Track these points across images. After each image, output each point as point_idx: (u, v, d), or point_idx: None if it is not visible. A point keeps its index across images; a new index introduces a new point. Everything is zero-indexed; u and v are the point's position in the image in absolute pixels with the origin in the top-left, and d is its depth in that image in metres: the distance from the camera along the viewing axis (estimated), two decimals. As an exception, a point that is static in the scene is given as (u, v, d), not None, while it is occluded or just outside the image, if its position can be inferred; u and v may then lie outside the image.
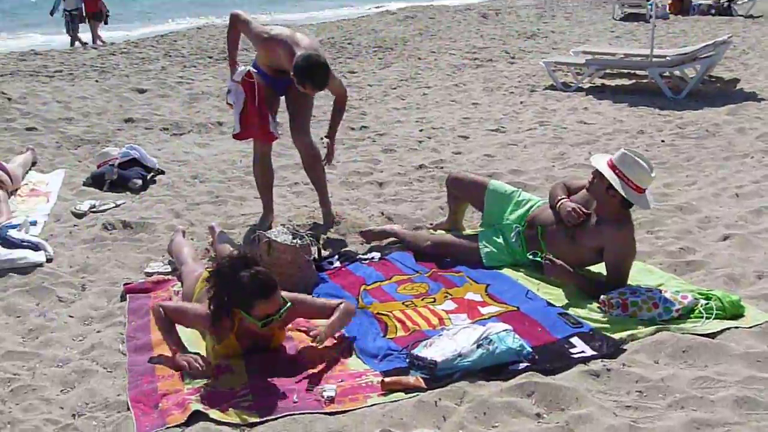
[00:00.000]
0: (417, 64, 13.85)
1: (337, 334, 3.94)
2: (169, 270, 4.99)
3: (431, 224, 5.62)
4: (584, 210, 4.46)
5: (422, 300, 4.41)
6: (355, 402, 3.36)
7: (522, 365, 3.56)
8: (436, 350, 3.61)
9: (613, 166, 4.30)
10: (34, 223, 5.81)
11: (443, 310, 4.27)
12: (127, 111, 9.95)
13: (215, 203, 6.44)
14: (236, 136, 5.59)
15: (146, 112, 9.90)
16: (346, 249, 5.30)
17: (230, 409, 3.32)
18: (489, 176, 5.92)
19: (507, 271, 4.70)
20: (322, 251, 5.13)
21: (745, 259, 4.82)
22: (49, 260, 5.20)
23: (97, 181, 6.91)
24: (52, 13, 18.11)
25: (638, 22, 19.50)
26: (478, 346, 3.58)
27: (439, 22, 19.83)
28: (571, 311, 4.12)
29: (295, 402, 3.35)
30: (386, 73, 13.11)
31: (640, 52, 12.34)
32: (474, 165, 7.38)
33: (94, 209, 6.24)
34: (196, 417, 3.25)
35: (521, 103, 10.43)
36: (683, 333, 3.79)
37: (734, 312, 3.97)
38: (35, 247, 5.25)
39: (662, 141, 8.07)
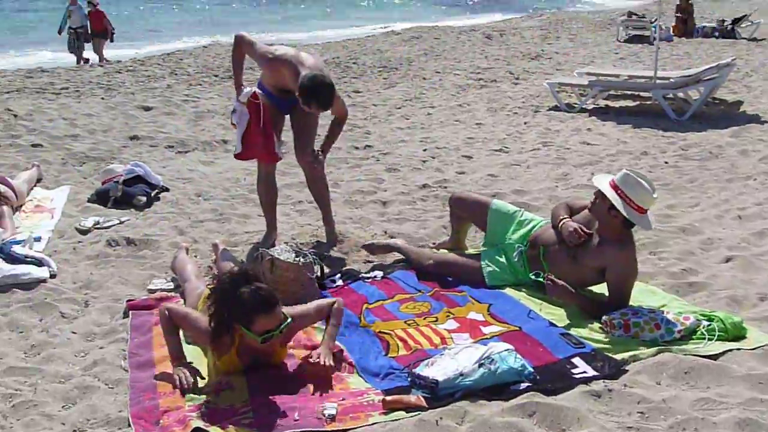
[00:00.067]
0: (421, 84, 13.91)
1: (338, 353, 3.95)
2: (172, 287, 5.00)
3: (434, 243, 5.63)
4: (586, 230, 4.47)
5: (424, 319, 4.41)
6: (357, 420, 3.36)
7: (523, 385, 3.56)
8: (437, 369, 3.61)
9: (615, 187, 4.31)
10: (38, 239, 5.82)
11: (445, 329, 4.27)
12: (133, 128, 10.00)
13: (219, 221, 6.46)
14: (237, 156, 5.63)
15: (151, 130, 9.95)
16: (349, 267, 5.31)
17: (231, 426, 3.31)
18: (492, 196, 5.94)
19: (509, 291, 4.71)
20: (325, 269, 5.14)
21: (747, 281, 4.82)
22: (52, 276, 5.21)
23: (101, 197, 6.93)
24: (60, 32, 18.20)
25: (642, 44, 19.59)
26: (480, 366, 3.58)
27: (443, 43, 19.93)
28: (573, 331, 4.12)
29: (296, 420, 3.35)
30: (391, 92, 13.17)
31: (644, 73, 12.42)
32: (477, 185, 7.40)
33: (99, 226, 6.26)
34: (196, 434, 3.25)
35: (525, 123, 10.47)
36: (685, 354, 3.79)
37: (736, 334, 3.97)
38: (39, 263, 5.26)
39: (665, 162, 8.09)
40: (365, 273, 5.15)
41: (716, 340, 3.91)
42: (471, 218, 5.28)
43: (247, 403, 3.50)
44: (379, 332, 4.25)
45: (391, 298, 4.73)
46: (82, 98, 12.04)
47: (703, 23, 22.23)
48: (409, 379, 3.69)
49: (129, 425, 3.39)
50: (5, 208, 6.09)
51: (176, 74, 14.85)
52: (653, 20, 20.06)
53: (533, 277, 4.56)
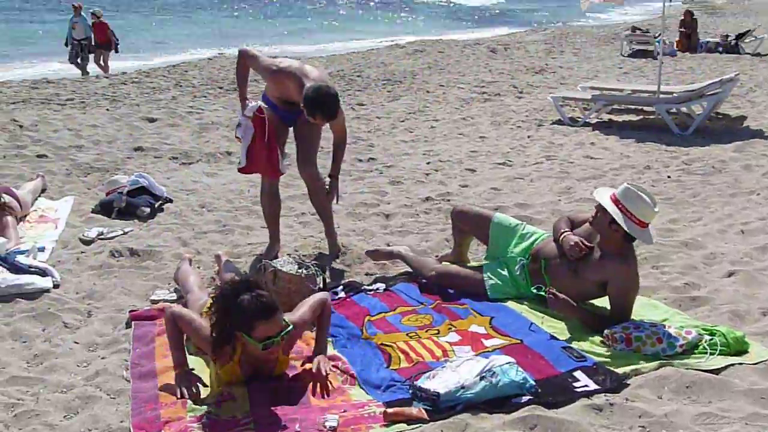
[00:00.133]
0: (425, 98, 13.95)
1: (340, 364, 3.96)
2: (175, 298, 5.01)
3: (437, 256, 5.64)
4: (587, 243, 4.48)
5: (426, 331, 4.42)
6: (358, 432, 3.36)
7: (525, 398, 3.56)
8: (439, 382, 3.61)
9: (616, 201, 4.32)
10: (42, 249, 5.84)
11: (447, 341, 4.27)
12: (137, 140, 10.04)
13: (222, 232, 6.48)
14: (241, 170, 5.65)
15: (156, 141, 9.99)
16: (351, 279, 5.32)
17: (232, 437, 3.32)
18: (495, 209, 5.95)
19: (511, 304, 4.71)
20: (327, 281, 5.15)
21: (750, 296, 4.82)
22: (56, 286, 5.23)
23: (105, 208, 6.95)
24: (66, 44, 18.30)
25: (646, 59, 19.64)
26: (481, 379, 3.58)
27: (448, 56, 19.99)
28: (575, 345, 4.12)
29: (297, 431, 3.35)
30: (395, 105, 13.21)
31: (648, 88, 12.44)
32: (480, 198, 7.41)
33: (102, 236, 6.27)
34: (198, 445, 3.26)
35: (528, 137, 10.49)
36: (687, 368, 3.79)
37: (738, 348, 3.97)
38: (42, 273, 5.28)
39: (668, 177, 8.10)
40: (367, 285, 5.16)
41: (718, 354, 3.91)
42: (473, 231, 5.29)
43: (248, 415, 3.50)
44: (381, 344, 4.25)
45: (393, 310, 4.74)
46: (87, 109, 12.10)
47: (707, 38, 22.28)
48: (410, 391, 3.69)
49: (130, 435, 3.39)
50: (9, 218, 6.11)
51: (181, 86, 14.92)
52: (657, 35, 20.13)
53: (535, 290, 4.56)
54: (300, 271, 4.72)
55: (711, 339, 4.01)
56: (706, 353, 3.93)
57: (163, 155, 9.32)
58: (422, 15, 47.80)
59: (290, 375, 3.88)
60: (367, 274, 5.42)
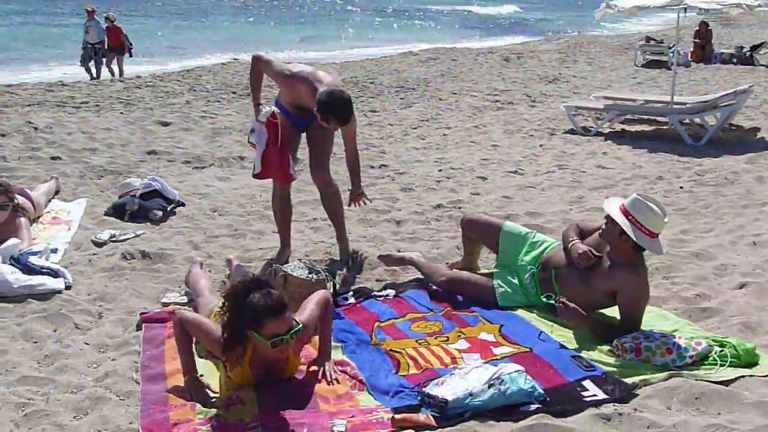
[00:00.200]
0: (438, 105, 13.97)
1: (349, 369, 3.98)
2: (186, 301, 5.03)
3: (447, 263, 5.64)
4: (595, 252, 4.47)
5: (435, 338, 4.42)
6: (365, 438, 3.36)
7: (533, 407, 3.56)
8: (447, 389, 3.61)
9: (625, 212, 4.32)
10: (54, 251, 5.89)
11: (456, 349, 4.27)
12: (151, 143, 10.10)
13: (233, 236, 6.50)
14: (256, 176, 5.67)
15: (169, 145, 10.03)
16: (361, 285, 5.33)
17: (240, 440, 3.33)
18: (506, 217, 5.96)
19: (521, 312, 4.71)
20: (338, 287, 5.16)
21: (761, 308, 4.80)
22: (67, 287, 5.26)
23: (118, 211, 6.99)
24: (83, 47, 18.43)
25: (660, 69, 19.59)
26: (490, 386, 3.58)
27: (461, 64, 20.00)
28: (584, 354, 4.12)
29: (305, 436, 3.36)
30: (407, 112, 13.23)
31: (661, 98, 12.42)
32: (492, 206, 7.41)
33: (114, 239, 6.31)
34: (206, 447, 3.27)
35: (541, 146, 10.49)
36: (696, 379, 3.78)
37: (748, 360, 3.95)
38: (54, 274, 5.32)
39: (681, 187, 8.08)
40: (377, 291, 5.17)
41: (728, 366, 3.90)
42: (482, 240, 5.29)
43: (256, 418, 3.52)
44: (390, 350, 4.26)
45: (403, 316, 4.75)
46: (101, 112, 12.17)
47: (722, 49, 22.22)
48: (418, 397, 3.69)
49: (139, 437, 3.41)
50: (23, 219, 6.15)
51: (195, 90, 14.99)
52: (671, 46, 20.08)
53: (545, 299, 4.56)
54: (310, 276, 4.73)
55: (721, 350, 3.99)
56: (715, 364, 3.91)
57: (176, 159, 9.37)
58: (436, 23, 47.87)
59: (299, 379, 3.89)
60: (377, 281, 5.43)
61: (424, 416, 3.49)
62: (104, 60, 18.25)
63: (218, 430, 3.42)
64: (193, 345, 3.96)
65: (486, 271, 5.33)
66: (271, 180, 5.80)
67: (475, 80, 17.23)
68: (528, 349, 4.21)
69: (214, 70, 18.43)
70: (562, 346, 4.22)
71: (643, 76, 18.59)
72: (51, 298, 5.06)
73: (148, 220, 6.88)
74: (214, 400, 3.73)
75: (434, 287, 5.10)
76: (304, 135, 5.68)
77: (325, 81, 5.25)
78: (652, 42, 22.47)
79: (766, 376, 3.84)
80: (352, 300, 5.03)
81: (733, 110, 10.98)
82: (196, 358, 3.97)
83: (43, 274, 5.29)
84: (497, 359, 4.07)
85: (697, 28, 22.23)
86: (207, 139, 10.62)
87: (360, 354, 4.23)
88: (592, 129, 11.35)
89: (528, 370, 3.77)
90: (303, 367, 3.99)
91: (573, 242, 4.60)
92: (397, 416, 3.48)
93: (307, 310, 3.95)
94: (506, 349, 4.23)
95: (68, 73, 19.29)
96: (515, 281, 4.89)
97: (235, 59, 21.06)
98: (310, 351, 4.11)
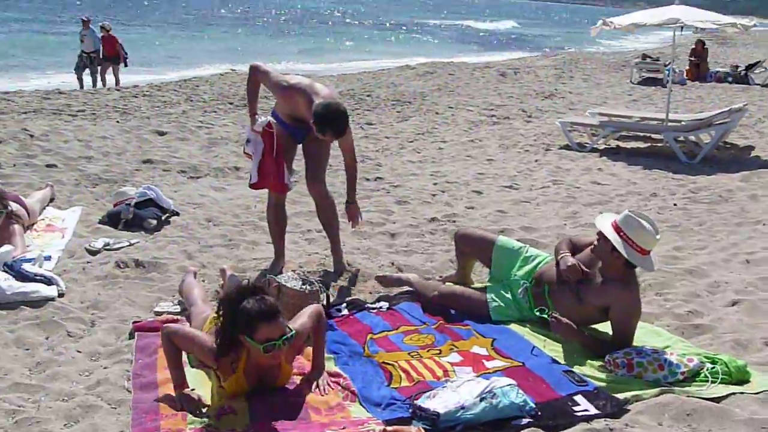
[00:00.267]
0: (434, 119, 14.01)
1: (342, 381, 3.97)
2: (179, 310, 5.03)
3: (441, 276, 5.65)
4: (584, 268, 4.49)
5: (428, 351, 4.42)
6: (356, 449, 3.36)
7: (525, 421, 3.56)
8: (439, 402, 3.61)
9: (617, 228, 4.33)
10: (48, 258, 5.88)
11: (448, 362, 4.27)
12: (146, 152, 10.10)
13: (228, 246, 6.50)
14: (253, 186, 5.68)
15: (165, 155, 10.04)
16: (355, 297, 5.33)
17: (231, 450, 3.33)
18: (500, 232, 5.96)
19: (513, 327, 4.71)
20: (331, 299, 5.16)
21: (753, 325, 4.81)
22: (60, 295, 5.25)
23: (112, 219, 6.99)
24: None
25: (656, 87, 19.69)
26: (482, 400, 3.58)
27: (458, 79, 20.07)
28: (576, 369, 4.12)
29: (296, 447, 3.36)
30: (403, 126, 13.26)
31: (656, 115, 12.48)
32: (486, 220, 7.43)
33: (108, 247, 6.30)
34: (196, 457, 3.26)
35: (536, 161, 10.52)
36: (688, 396, 3.78)
37: (740, 377, 3.96)
38: (48, 282, 5.30)
39: (675, 204, 8.11)
40: (371, 303, 5.17)
41: (719, 383, 3.90)
42: (476, 254, 5.29)
43: (247, 428, 3.51)
44: (383, 363, 4.26)
45: (396, 329, 4.75)
46: (97, 121, 12.18)
47: (717, 68, 22.37)
48: (410, 410, 3.69)
49: (130, 446, 3.40)
50: (17, 226, 6.15)
51: (192, 101, 15.01)
52: (667, 63, 20.21)
53: (538, 313, 4.57)
54: (304, 287, 4.73)
55: (713, 367, 4.00)
56: (707, 381, 3.92)
57: (171, 168, 9.37)
58: (434, 37, 48.05)
59: (291, 389, 3.89)
60: (370, 293, 5.43)
61: (415, 429, 3.48)
62: (99, 69, 18.28)
63: (209, 439, 3.41)
64: (184, 356, 3.96)
65: (479, 285, 5.34)
66: (266, 190, 5.81)
67: (472, 95, 17.29)
68: (520, 364, 4.21)
69: (212, 80, 18.46)
70: (555, 361, 4.22)
71: (638, 93, 18.68)
72: (44, 305, 5.05)
73: (142, 228, 6.88)
74: (205, 410, 3.72)
75: (427, 301, 5.11)
76: (300, 146, 5.70)
77: (321, 93, 5.27)
78: (648, 59, 22.62)
79: (757, 393, 3.84)
80: (345, 312, 5.02)
81: (728, 128, 11.04)
82: (188, 368, 3.96)
83: (36, 281, 5.27)
84: (489, 373, 4.07)
85: (694, 47, 22.40)
86: (203, 149, 10.63)
87: (352, 366, 4.22)
88: (587, 145, 11.40)
89: (520, 384, 3.77)
90: (296, 378, 3.99)
91: (563, 255, 4.62)
92: (389, 428, 3.47)
93: (300, 320, 3.96)
94: (498, 363, 4.23)
95: (66, 81, 19.28)
96: (508, 296, 4.89)
97: (232, 70, 21.10)
98: (303, 363, 4.11)
